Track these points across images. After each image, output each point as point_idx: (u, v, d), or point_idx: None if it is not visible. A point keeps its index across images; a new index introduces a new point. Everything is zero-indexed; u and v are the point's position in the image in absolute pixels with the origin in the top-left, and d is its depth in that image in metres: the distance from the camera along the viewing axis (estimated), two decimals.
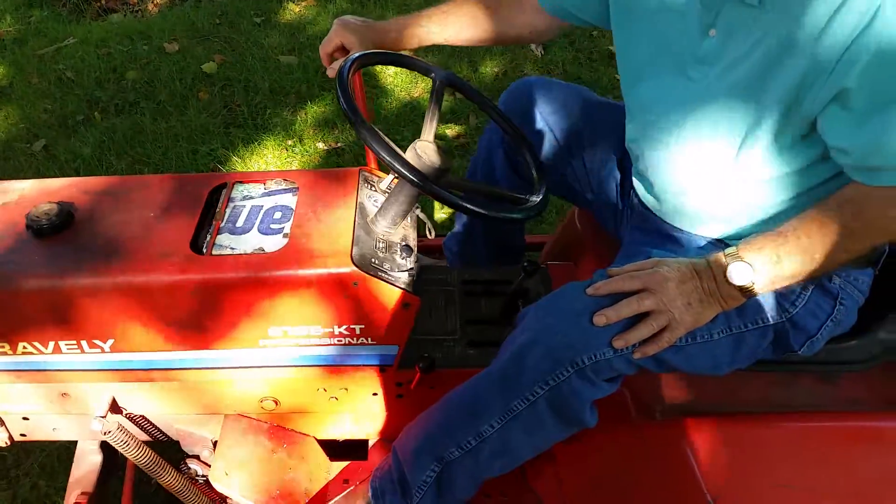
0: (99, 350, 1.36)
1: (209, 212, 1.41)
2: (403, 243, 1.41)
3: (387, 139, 1.23)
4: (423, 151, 1.30)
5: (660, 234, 1.37)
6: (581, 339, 1.15)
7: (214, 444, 1.61)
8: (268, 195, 1.46)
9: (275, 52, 3.51)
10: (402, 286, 1.32)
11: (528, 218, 1.34)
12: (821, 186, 1.19)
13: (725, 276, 1.12)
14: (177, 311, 1.31)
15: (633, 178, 1.45)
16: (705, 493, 1.21)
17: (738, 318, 1.22)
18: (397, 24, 1.59)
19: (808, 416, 1.31)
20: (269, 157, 2.98)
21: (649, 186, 1.38)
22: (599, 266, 1.71)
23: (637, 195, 1.45)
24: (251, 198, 1.46)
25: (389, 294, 1.31)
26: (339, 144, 3.02)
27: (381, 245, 1.37)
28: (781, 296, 1.22)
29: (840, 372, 1.36)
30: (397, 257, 1.38)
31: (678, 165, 1.28)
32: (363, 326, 1.35)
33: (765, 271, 1.12)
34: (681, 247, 1.32)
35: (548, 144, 1.61)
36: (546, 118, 1.60)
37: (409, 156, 1.27)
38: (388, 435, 1.64)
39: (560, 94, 1.60)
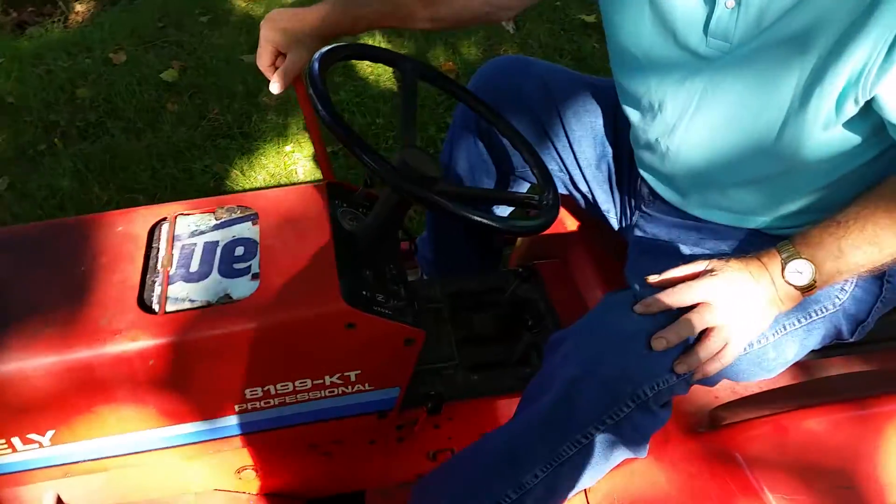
0: (36, 445, 1.09)
1: (152, 256, 1.15)
2: (393, 267, 1.20)
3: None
4: (411, 159, 1.10)
5: (685, 228, 1.22)
6: (639, 367, 0.99)
7: None
8: (221, 227, 1.21)
9: (236, 52, 3.21)
10: (404, 320, 1.12)
11: (544, 227, 1.15)
12: (871, 163, 1.05)
13: (784, 276, 0.99)
14: (130, 387, 1.06)
15: (640, 169, 1.29)
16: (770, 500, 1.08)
17: (787, 316, 1.09)
18: (335, 9, 1.28)
19: (859, 402, 1.19)
20: (270, 166, 2.69)
21: (665, 179, 1.22)
22: (596, 263, 1.58)
23: (648, 185, 1.29)
24: (201, 233, 1.21)
25: (389, 331, 1.11)
26: (338, 145, 2.76)
27: (369, 273, 1.15)
28: (830, 286, 1.10)
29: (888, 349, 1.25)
30: (389, 284, 1.17)
31: (698, 154, 1.13)
32: (359, 372, 1.14)
33: (826, 268, 0.98)
34: (714, 241, 1.17)
35: (528, 131, 1.42)
36: (525, 102, 1.41)
37: (398, 165, 1.07)
38: (386, 482, 1.44)
39: (539, 74, 1.42)
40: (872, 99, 0.94)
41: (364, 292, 1.11)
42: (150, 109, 2.90)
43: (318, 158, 1.46)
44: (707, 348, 0.98)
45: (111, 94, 2.96)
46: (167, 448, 1.15)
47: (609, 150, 1.40)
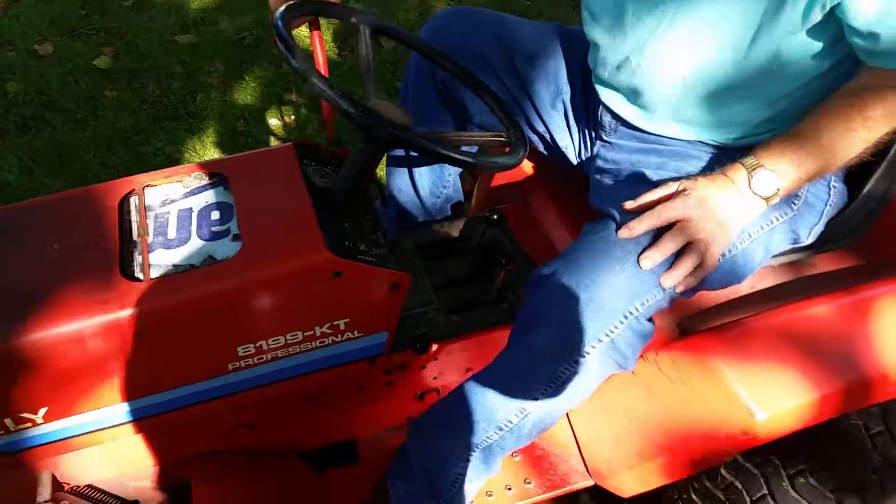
0: (29, 424, 1.09)
1: (126, 228, 1.15)
2: (369, 216, 1.23)
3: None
4: (383, 109, 1.12)
5: (647, 153, 1.27)
6: (629, 286, 1.05)
7: (181, 491, 1.38)
8: (193, 194, 1.22)
9: (168, 35, 3.12)
10: (388, 265, 1.15)
11: (519, 161, 1.20)
12: (828, 74, 1.13)
13: (750, 187, 1.06)
14: (123, 356, 1.06)
15: (602, 93, 1.33)
16: (747, 401, 1.17)
17: (752, 224, 1.16)
18: None
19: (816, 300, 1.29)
20: (224, 144, 2.65)
21: (634, 97, 1.27)
22: (558, 201, 1.64)
23: (610, 112, 1.34)
24: (173, 201, 1.21)
25: (374, 278, 1.14)
26: (292, 118, 2.74)
27: (348, 225, 1.18)
28: None
29: (833, 249, 1.35)
30: (369, 233, 1.20)
31: (672, 67, 1.17)
32: (348, 320, 1.17)
33: (789, 176, 1.06)
34: (677, 161, 1.23)
35: (482, 77, 1.45)
36: (476, 48, 1.44)
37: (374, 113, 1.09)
38: (377, 429, 1.49)
39: (488, 21, 1.45)
40: (837, 5, 1.01)
41: (347, 242, 1.14)
42: (88, 98, 2.82)
43: (326, 120, 1.48)
44: (688, 262, 1.05)
45: (44, 86, 2.86)
46: (163, 413, 1.17)
47: (563, 87, 1.44)
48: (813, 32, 1.06)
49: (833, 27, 1.05)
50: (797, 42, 1.07)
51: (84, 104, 2.79)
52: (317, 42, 1.37)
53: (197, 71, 2.94)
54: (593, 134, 1.40)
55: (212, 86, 2.88)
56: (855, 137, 1.04)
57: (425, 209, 1.69)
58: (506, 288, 1.46)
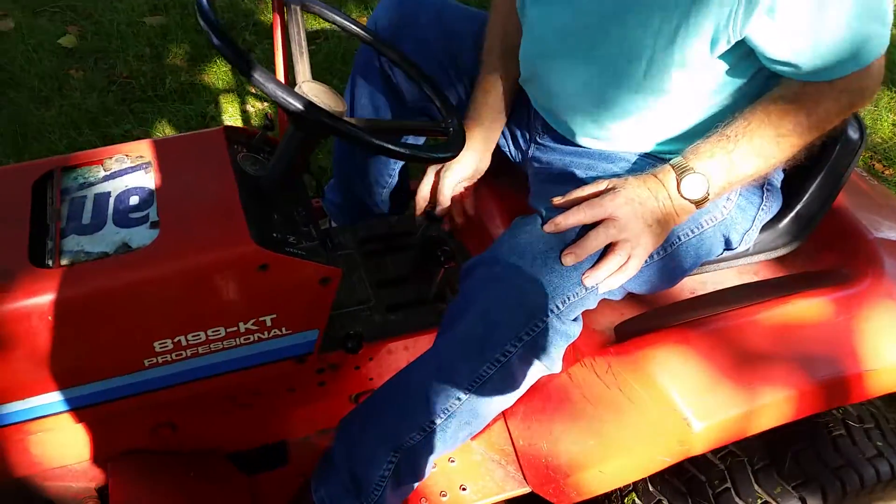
0: None
1: (39, 213, 1.07)
2: (302, 208, 1.17)
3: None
4: (314, 93, 1.07)
5: (577, 156, 1.25)
6: (552, 282, 1.02)
7: (99, 491, 1.31)
8: (112, 177, 1.15)
9: (136, 15, 3.02)
10: (318, 259, 1.10)
11: (455, 153, 1.16)
12: (749, 83, 1.11)
13: (679, 190, 1.05)
14: (28, 347, 0.99)
15: (533, 103, 1.31)
16: (683, 410, 1.15)
17: (681, 227, 1.15)
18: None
19: (750, 308, 1.27)
20: (195, 129, 2.55)
21: (551, 113, 1.26)
22: (498, 196, 1.60)
23: (541, 118, 1.31)
24: (90, 184, 1.14)
25: (304, 272, 1.08)
26: (264, 104, 2.65)
27: (277, 216, 1.12)
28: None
29: (773, 257, 1.34)
30: (300, 225, 1.15)
31: (574, 87, 1.17)
32: (275, 316, 1.12)
33: (718, 180, 1.05)
34: (606, 164, 1.20)
35: (426, 65, 1.40)
36: (421, 36, 1.39)
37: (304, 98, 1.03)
38: (308, 431, 1.43)
39: (434, 8, 1.41)
40: (744, 38, 1.00)
41: (274, 234, 1.08)
42: (53, 76, 2.71)
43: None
44: (612, 261, 1.03)
45: (6, 63, 2.75)
46: (73, 410, 1.10)
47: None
48: (724, 56, 1.05)
49: (743, 47, 1.04)
50: (706, 68, 1.06)
51: (49, 83, 2.68)
52: (277, 27, 1.31)
53: (166, 53, 2.85)
54: (528, 135, 1.37)
55: (181, 69, 2.80)
56: (784, 143, 1.04)
57: (370, 201, 1.64)
58: (446, 286, 1.42)
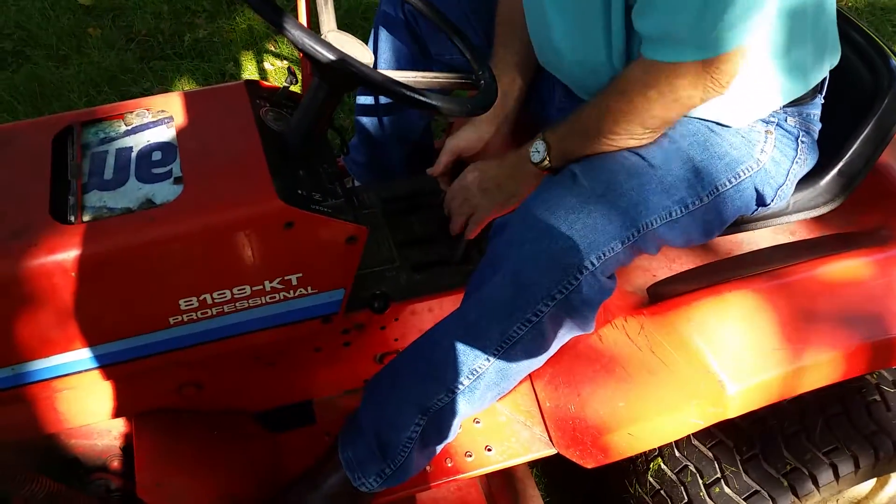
0: None
1: (60, 169, 1.05)
2: (328, 166, 1.14)
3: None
4: (340, 43, 1.03)
5: None
6: (586, 237, 0.99)
7: (123, 450, 1.31)
8: (133, 132, 1.12)
9: None
10: (344, 217, 1.07)
11: (487, 106, 1.11)
12: None
13: (528, 156, 1.16)
14: (52, 304, 0.98)
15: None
16: (718, 373, 1.12)
17: (717, 178, 1.11)
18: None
19: (784, 270, 1.24)
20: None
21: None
22: None
23: (561, 85, 1.31)
24: (112, 139, 1.11)
25: (330, 230, 1.06)
26: (284, 62, 2.61)
27: (303, 172, 1.09)
28: (748, 145, 1.15)
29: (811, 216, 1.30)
30: (325, 182, 1.11)
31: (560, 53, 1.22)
32: (301, 275, 1.09)
33: (555, 148, 1.15)
34: None
35: (453, 16, 1.36)
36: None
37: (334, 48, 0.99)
38: (335, 390, 1.42)
39: None
40: None
41: (300, 191, 1.05)
42: (71, 35, 2.69)
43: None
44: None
45: (23, 21, 2.73)
46: (99, 368, 1.09)
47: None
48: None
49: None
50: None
51: (67, 41, 2.66)
52: None
53: (184, 11, 2.82)
54: (554, 92, 1.33)
55: (199, 26, 2.76)
56: (610, 124, 1.08)
57: (393, 160, 1.61)
58: (473, 247, 1.39)
